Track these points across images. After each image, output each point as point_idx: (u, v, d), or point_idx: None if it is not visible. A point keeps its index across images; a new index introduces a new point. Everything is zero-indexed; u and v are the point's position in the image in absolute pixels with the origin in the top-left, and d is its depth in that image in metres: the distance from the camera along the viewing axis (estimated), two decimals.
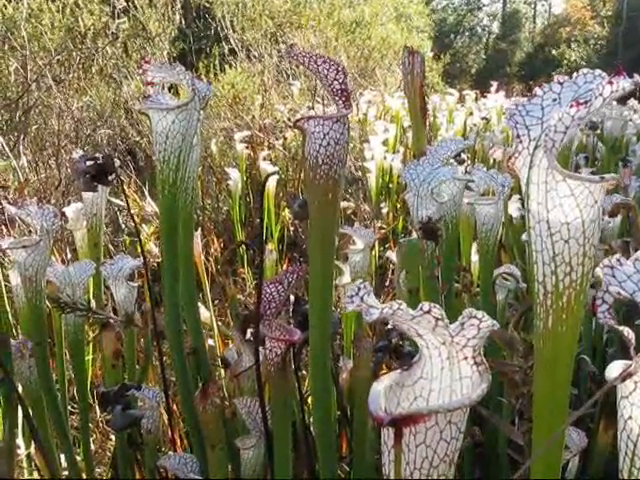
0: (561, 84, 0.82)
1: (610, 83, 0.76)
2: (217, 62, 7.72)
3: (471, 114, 7.71)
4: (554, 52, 37.75)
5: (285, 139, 6.36)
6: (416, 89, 1.73)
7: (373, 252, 3.49)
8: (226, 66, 7.70)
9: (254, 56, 7.44)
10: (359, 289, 0.76)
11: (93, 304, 2.19)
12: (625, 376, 0.67)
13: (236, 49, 7.37)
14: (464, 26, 46.16)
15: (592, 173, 4.82)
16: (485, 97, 10.23)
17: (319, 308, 1.33)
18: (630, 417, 0.69)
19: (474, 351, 0.77)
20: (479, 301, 2.15)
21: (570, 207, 0.79)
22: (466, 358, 0.78)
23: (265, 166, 4.98)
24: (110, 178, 1.70)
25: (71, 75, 5.95)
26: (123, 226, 5.01)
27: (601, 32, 38.10)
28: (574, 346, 0.87)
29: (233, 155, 6.12)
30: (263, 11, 7.04)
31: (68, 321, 1.90)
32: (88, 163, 1.67)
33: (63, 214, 2.80)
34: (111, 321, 1.76)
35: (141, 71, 1.44)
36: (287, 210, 4.91)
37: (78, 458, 2.04)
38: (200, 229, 3.52)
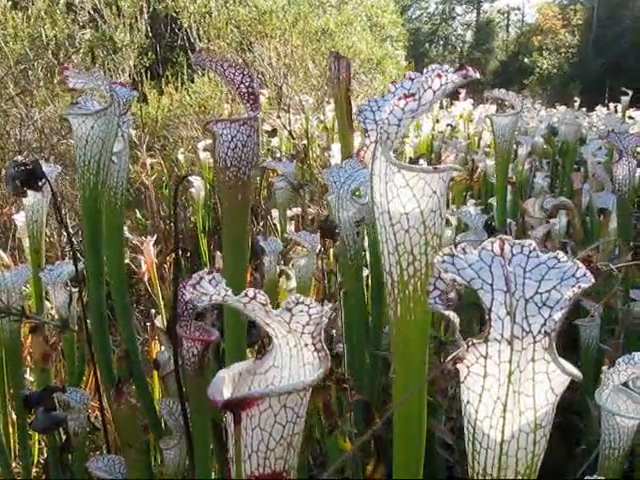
0: (412, 80, 0.83)
1: (439, 76, 0.78)
2: (185, 71, 7.73)
3: (437, 121, 7.78)
4: (526, 60, 38.29)
5: None
6: (342, 94, 1.77)
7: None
8: (194, 75, 7.71)
9: None
10: (200, 278, 0.77)
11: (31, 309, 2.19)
12: (455, 360, 0.68)
13: None
14: (439, 35, 46.69)
15: (549, 176, 4.91)
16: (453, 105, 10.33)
17: (233, 307, 1.34)
18: (468, 402, 0.70)
19: (313, 338, 0.77)
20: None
21: (407, 197, 0.80)
22: (307, 345, 0.78)
23: None
24: (40, 184, 1.73)
25: (34, 85, 5.92)
26: None
27: (572, 40, 38.71)
28: (425, 334, 0.89)
29: (199, 164, 6.11)
30: (229, 20, 7.08)
31: (4, 326, 1.91)
32: (17, 169, 1.68)
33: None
34: (45, 325, 1.76)
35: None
36: None
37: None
38: (156, 236, 3.54)
